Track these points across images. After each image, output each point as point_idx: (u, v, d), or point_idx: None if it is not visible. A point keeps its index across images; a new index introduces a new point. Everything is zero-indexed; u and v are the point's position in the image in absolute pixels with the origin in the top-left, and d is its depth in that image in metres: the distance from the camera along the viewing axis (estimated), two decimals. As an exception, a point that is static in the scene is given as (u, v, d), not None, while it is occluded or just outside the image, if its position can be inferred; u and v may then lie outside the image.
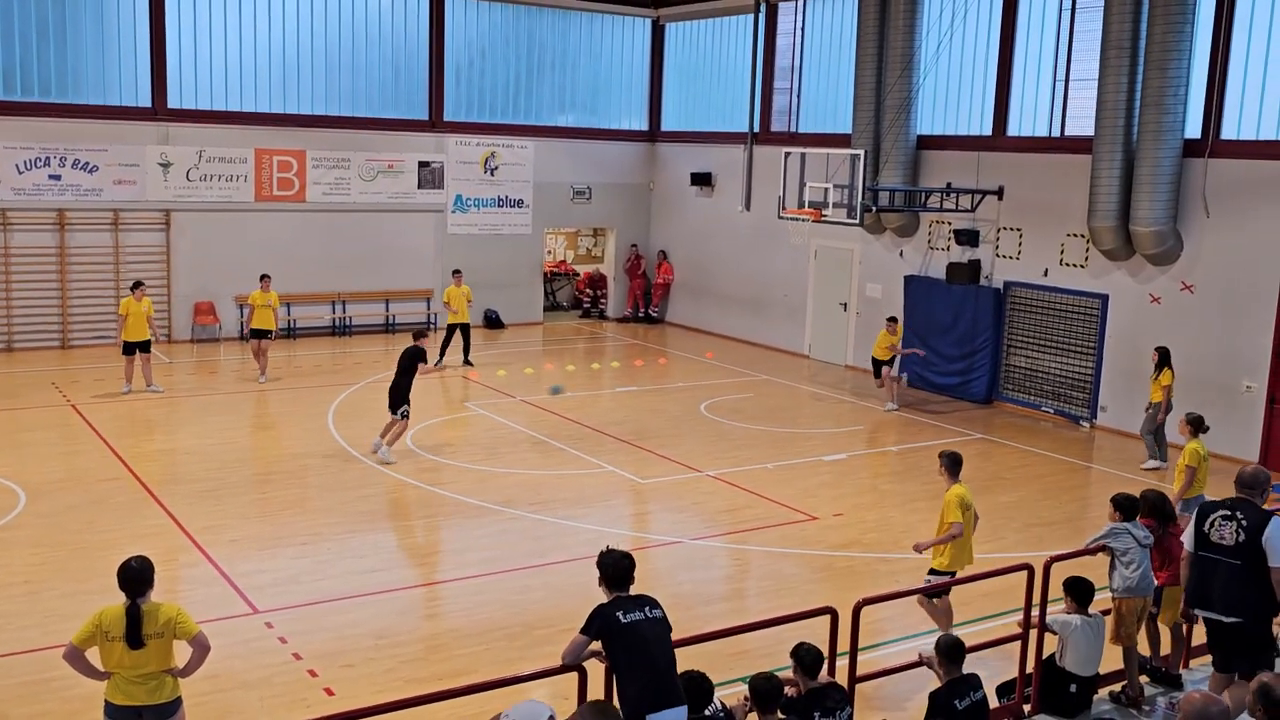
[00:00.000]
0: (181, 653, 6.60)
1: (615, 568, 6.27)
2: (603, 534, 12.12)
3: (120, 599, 6.44)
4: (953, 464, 9.35)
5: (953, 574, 9.21)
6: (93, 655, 6.46)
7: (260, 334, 19.20)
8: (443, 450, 15.46)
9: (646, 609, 6.14)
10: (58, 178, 21.14)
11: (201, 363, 20.97)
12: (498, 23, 25.58)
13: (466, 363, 20.99)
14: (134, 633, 6.33)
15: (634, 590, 6.31)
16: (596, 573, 6.33)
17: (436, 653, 9.41)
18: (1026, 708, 7.97)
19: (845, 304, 22.64)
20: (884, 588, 10.66)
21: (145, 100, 21.88)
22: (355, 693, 8.55)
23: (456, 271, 21.52)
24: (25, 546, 11.35)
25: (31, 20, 20.78)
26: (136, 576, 6.44)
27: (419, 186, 24.74)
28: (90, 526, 11.99)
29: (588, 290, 28.61)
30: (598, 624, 6.04)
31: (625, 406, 18.63)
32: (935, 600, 9.26)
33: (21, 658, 8.98)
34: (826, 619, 7.15)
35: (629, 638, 5.99)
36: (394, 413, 14.69)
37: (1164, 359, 15.51)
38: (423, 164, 24.73)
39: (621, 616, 6.01)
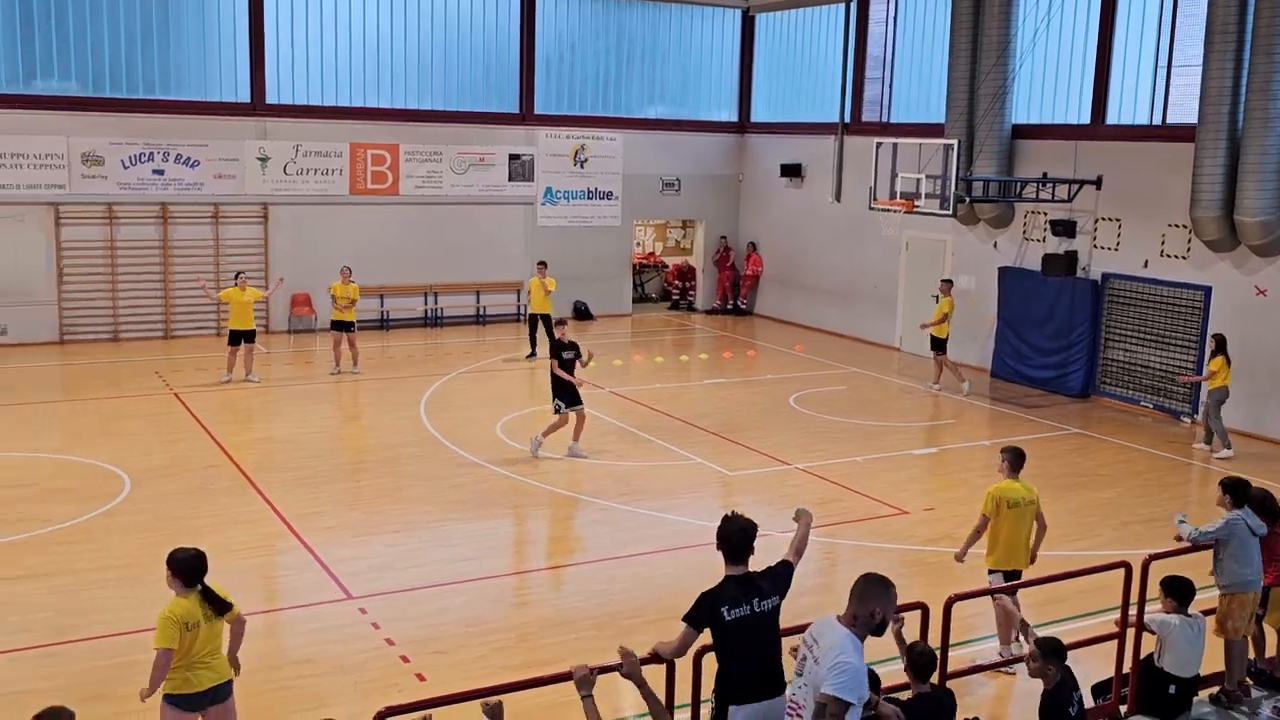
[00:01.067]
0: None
1: (731, 539, 5.98)
2: (690, 525, 12.12)
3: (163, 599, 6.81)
4: (1015, 460, 9.05)
5: (1004, 573, 8.97)
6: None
7: (342, 326, 19.27)
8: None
9: (755, 601, 5.92)
10: (161, 172, 21.75)
11: (298, 353, 21.44)
12: (587, 16, 25.68)
13: (531, 354, 21.01)
14: (218, 605, 6.68)
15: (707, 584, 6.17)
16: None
17: (525, 641, 9.49)
18: (1123, 708, 7.78)
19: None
20: (975, 584, 10.47)
21: (244, 96, 22.41)
22: (446, 679, 8.66)
23: (541, 263, 21.58)
24: (129, 532, 11.71)
25: (136, 19, 21.40)
26: (197, 564, 6.77)
27: (509, 179, 24.96)
28: (192, 512, 12.32)
29: (676, 282, 28.61)
30: (703, 613, 5.86)
31: (714, 399, 18.59)
32: (996, 599, 9.03)
33: (121, 639, 9.26)
34: (917, 614, 7.05)
35: (732, 635, 5.86)
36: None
37: (1219, 347, 15.56)
38: (513, 157, 24.94)
39: (726, 613, 5.82)
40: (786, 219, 26.19)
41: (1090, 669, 8.28)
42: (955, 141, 18.24)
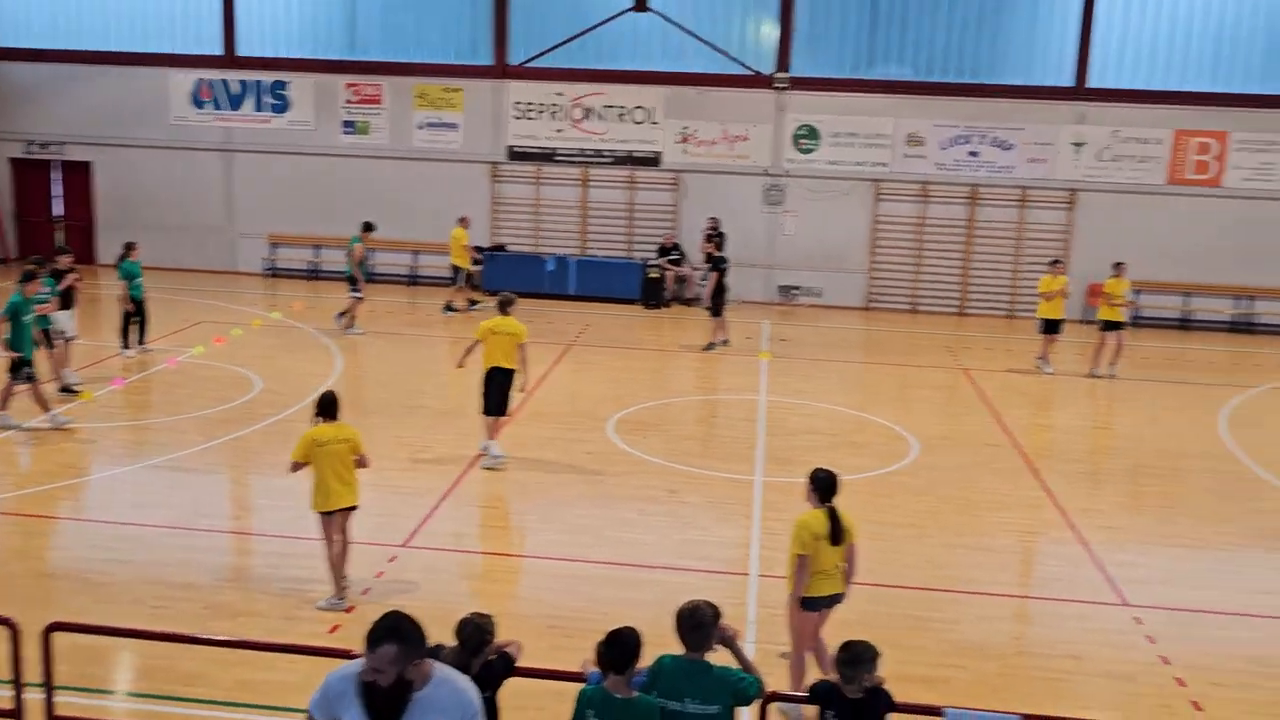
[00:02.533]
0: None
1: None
2: None
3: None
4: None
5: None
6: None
7: (1112, 326, 17.93)
8: None
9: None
10: (975, 154, 22.36)
11: (1086, 345, 20.82)
12: None
13: None
14: (837, 530, 7.39)
15: None
16: None
17: None
18: None
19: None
20: None
21: (1067, 79, 22.12)
22: (1224, 714, 7.88)
23: None
24: (914, 493, 12.27)
25: (973, 6, 22.12)
26: (832, 483, 7.44)
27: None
28: (973, 485, 12.57)
29: None
30: None
31: None
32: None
33: (904, 592, 9.73)
34: None
35: None
36: None
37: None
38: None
39: None
40: None
41: None
42: None
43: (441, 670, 4.47)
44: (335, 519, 8.83)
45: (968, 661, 8.55)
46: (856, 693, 5.51)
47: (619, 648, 5.16)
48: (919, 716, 5.87)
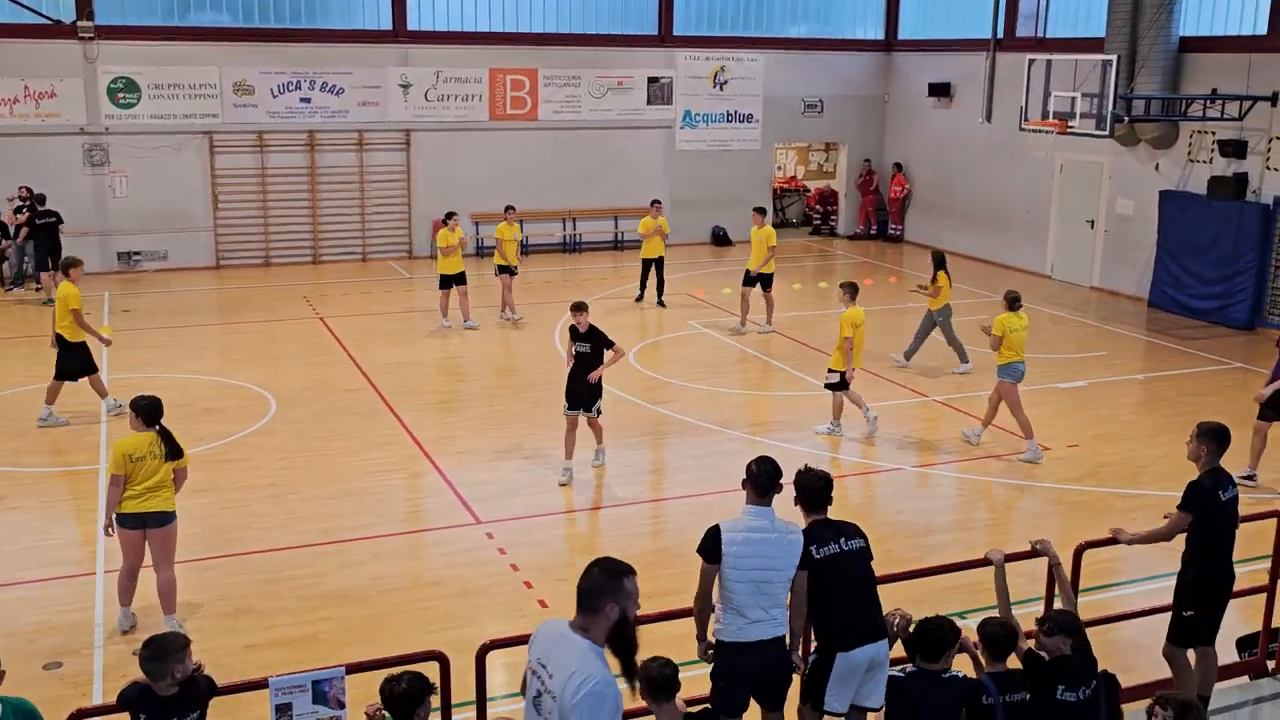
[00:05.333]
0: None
1: (811, 489, 5.98)
2: (820, 457, 11.92)
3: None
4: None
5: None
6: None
7: (451, 280, 17.56)
8: (664, 369, 15.53)
9: (843, 540, 5.90)
10: (308, 100, 22.20)
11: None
12: (729, -69, 25.03)
13: (659, 302, 19.23)
14: (173, 448, 8.14)
15: (843, 518, 6.12)
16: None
17: (648, 570, 9.45)
18: (1271, 664, 7.36)
19: (1093, 221, 21.30)
20: (1120, 524, 10.04)
21: (386, 23, 22.62)
22: (568, 606, 8.73)
23: (655, 202, 19.88)
24: (274, 452, 12.13)
25: (282, -51, 21.75)
26: (155, 407, 8.17)
27: (648, 103, 24.70)
28: (333, 434, 12.68)
29: (818, 207, 28.01)
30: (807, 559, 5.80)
31: (851, 327, 18.16)
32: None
33: (265, 555, 9.62)
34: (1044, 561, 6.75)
35: (825, 572, 5.81)
36: None
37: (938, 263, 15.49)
38: (652, 80, 24.64)
39: (815, 551, 5.80)
40: (934, 141, 25.29)
41: (1235, 621, 7.86)
42: (1115, 57, 17.25)
43: None
44: None
45: (334, 612, 8.67)
46: (169, 689, 5.08)
47: None
48: (246, 694, 5.64)
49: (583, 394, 11.33)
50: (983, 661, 5.76)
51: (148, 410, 8.12)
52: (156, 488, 8.02)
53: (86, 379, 12.96)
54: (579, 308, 11.36)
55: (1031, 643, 5.80)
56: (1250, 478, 11.34)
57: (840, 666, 5.78)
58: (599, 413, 11.51)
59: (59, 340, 12.77)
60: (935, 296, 15.32)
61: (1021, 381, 12.28)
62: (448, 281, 17.66)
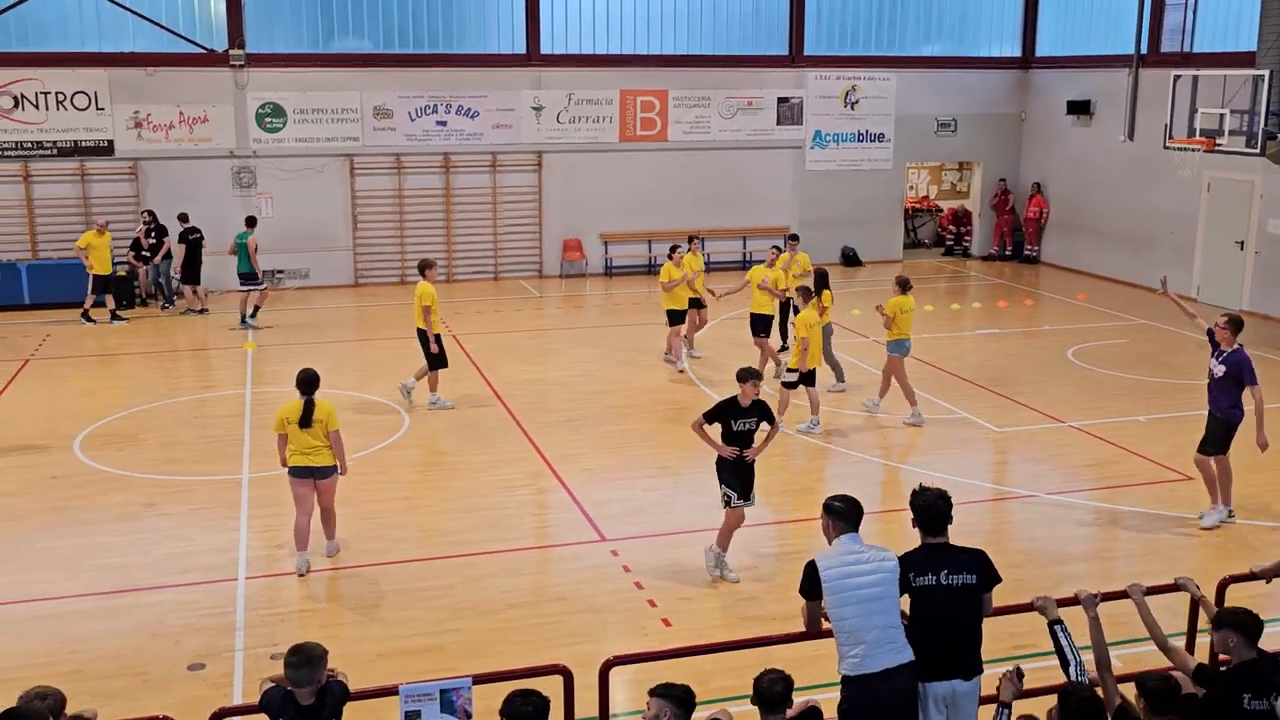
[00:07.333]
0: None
1: (928, 509, 5.77)
2: (951, 482, 11.65)
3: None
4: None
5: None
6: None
7: (680, 316, 16.18)
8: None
9: (944, 573, 5.66)
10: (444, 124, 22.76)
11: (568, 297, 22.05)
12: (861, -49, 24.87)
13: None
14: (307, 417, 9.46)
15: (971, 543, 5.96)
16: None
17: (775, 591, 9.41)
18: None
19: (1242, 242, 20.45)
20: (1265, 560, 9.59)
21: (520, 47, 23.08)
22: (692, 625, 8.74)
23: (792, 237, 17.96)
24: (406, 465, 12.43)
25: (421, -23, 22.41)
26: (303, 379, 9.64)
27: (778, 123, 24.65)
28: (465, 449, 12.93)
29: (951, 227, 27.53)
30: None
31: (985, 350, 17.82)
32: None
33: (397, 567, 9.85)
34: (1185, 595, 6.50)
35: (919, 602, 5.69)
36: None
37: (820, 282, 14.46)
38: (781, 100, 24.59)
39: (912, 579, 5.66)
40: (1073, 160, 24.62)
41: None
42: (1268, 72, 16.58)
43: None
44: None
45: (462, 624, 8.82)
46: (309, 697, 5.25)
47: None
48: (378, 700, 5.79)
49: (749, 480, 9.57)
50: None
51: (300, 381, 9.63)
52: (316, 447, 9.50)
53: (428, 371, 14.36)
54: (749, 376, 9.36)
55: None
56: None
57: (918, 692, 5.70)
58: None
59: (420, 335, 14.27)
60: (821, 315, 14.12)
61: (908, 356, 13.77)
62: (678, 317, 16.25)
